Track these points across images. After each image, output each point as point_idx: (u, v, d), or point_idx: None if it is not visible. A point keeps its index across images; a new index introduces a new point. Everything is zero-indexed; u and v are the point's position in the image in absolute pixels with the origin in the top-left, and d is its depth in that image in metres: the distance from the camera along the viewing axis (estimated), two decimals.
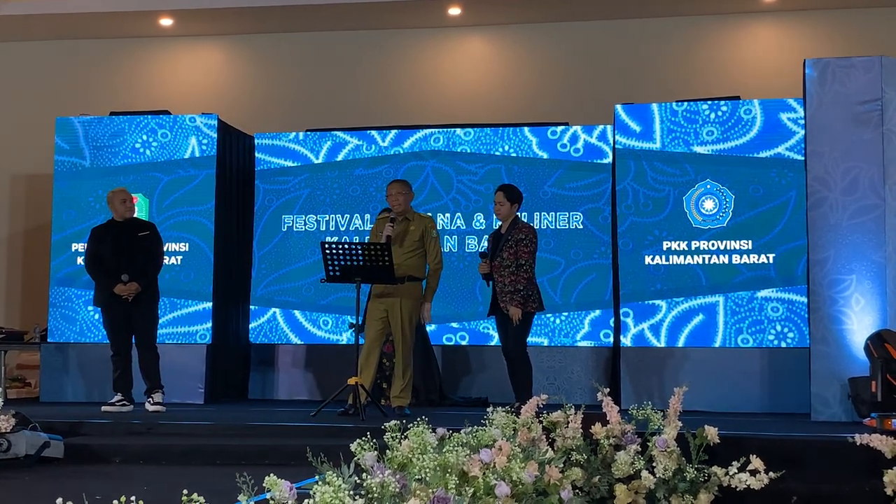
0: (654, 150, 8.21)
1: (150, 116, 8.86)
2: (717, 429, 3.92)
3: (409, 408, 6.79)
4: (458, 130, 9.04)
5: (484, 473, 2.94)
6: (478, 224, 8.90)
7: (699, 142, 8.16)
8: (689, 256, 8.08)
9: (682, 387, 4.08)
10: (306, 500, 2.44)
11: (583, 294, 8.64)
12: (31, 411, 5.56)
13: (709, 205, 8.09)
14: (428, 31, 10.21)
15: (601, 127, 8.77)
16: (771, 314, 7.91)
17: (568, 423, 3.95)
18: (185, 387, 8.12)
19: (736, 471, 3.73)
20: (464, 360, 8.83)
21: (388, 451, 2.98)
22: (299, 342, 9.03)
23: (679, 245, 8.10)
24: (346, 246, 6.56)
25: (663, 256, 8.11)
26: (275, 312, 9.04)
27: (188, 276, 8.55)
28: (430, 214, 7.63)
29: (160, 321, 7.52)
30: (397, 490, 2.60)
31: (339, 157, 9.15)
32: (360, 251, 6.50)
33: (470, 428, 3.55)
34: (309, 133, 9.28)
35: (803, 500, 3.97)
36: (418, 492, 2.64)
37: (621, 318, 8.10)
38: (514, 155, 8.88)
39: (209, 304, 8.49)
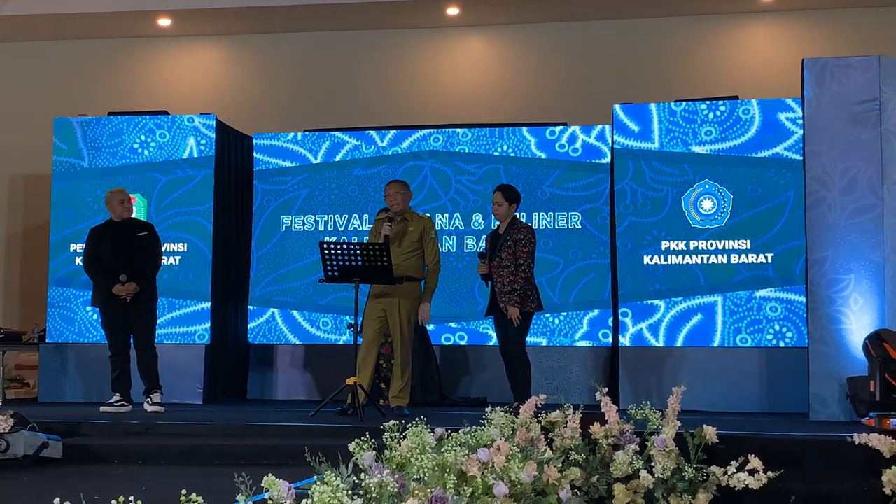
0: (652, 149, 8.21)
1: (148, 117, 8.86)
2: (715, 428, 3.92)
3: (408, 408, 6.80)
4: (457, 130, 9.04)
5: (482, 473, 2.94)
6: (476, 224, 8.90)
7: (697, 142, 8.17)
8: (687, 256, 8.09)
9: (680, 386, 4.08)
10: (305, 500, 2.44)
11: (581, 294, 8.64)
12: (30, 412, 5.57)
13: (707, 205, 8.09)
14: (426, 32, 10.21)
15: (599, 127, 8.77)
16: (769, 314, 7.92)
17: (566, 422, 3.94)
18: (183, 387, 8.12)
19: (734, 470, 3.73)
20: (462, 360, 8.83)
21: (386, 450, 2.98)
22: (298, 342, 9.03)
23: (677, 245, 8.10)
24: (345, 246, 6.56)
25: (662, 256, 8.11)
26: (273, 313, 9.04)
27: (187, 277, 8.55)
28: (428, 215, 7.63)
29: (159, 321, 7.53)
30: (396, 490, 2.60)
31: (338, 158, 9.15)
32: (358, 251, 6.50)
33: (468, 428, 3.55)
34: (307, 133, 9.28)
35: (802, 500, 3.97)
36: (417, 492, 2.64)
37: (620, 317, 8.10)
38: (512, 155, 8.88)
39: (208, 305, 8.49)
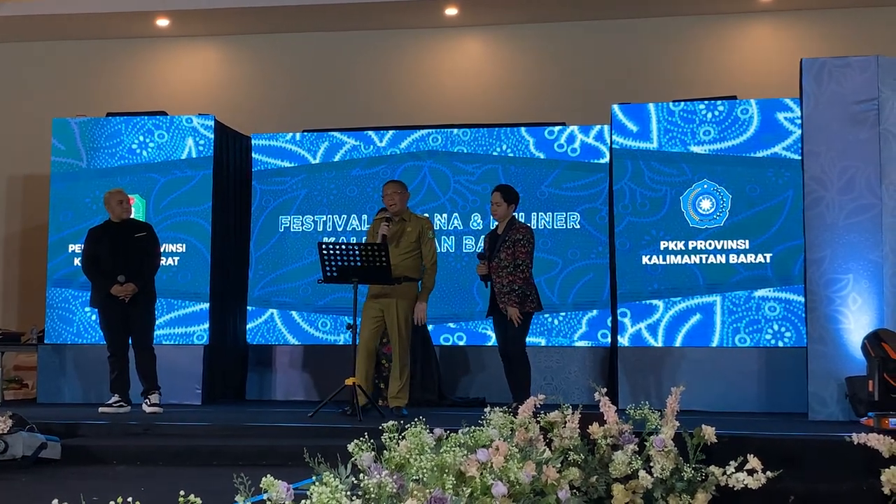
0: (651, 149, 8.21)
1: (146, 117, 8.86)
2: (714, 428, 3.92)
3: (408, 408, 6.80)
4: (456, 130, 9.04)
5: (481, 474, 2.94)
6: (475, 224, 8.90)
7: (696, 141, 8.17)
8: (686, 256, 8.09)
9: (679, 386, 4.08)
10: (303, 501, 2.44)
11: (580, 294, 8.64)
12: (29, 412, 5.56)
13: (706, 204, 8.09)
14: (425, 32, 10.21)
15: (598, 127, 8.77)
16: (768, 314, 7.92)
17: (565, 423, 3.94)
18: (182, 388, 8.12)
19: (733, 470, 3.73)
20: (462, 361, 8.83)
21: (385, 451, 2.98)
22: (297, 343, 9.02)
23: (676, 245, 8.10)
24: (343, 246, 6.56)
25: (660, 256, 8.11)
26: (272, 313, 9.04)
27: (185, 277, 8.55)
28: (426, 215, 7.62)
29: (157, 322, 7.53)
30: (394, 490, 2.60)
31: (337, 158, 9.14)
32: (357, 252, 6.50)
33: (467, 428, 3.55)
34: (306, 133, 9.27)
35: (801, 500, 3.96)
36: (415, 492, 2.64)
37: (619, 317, 8.10)
38: (511, 155, 8.88)
39: (206, 305, 8.49)
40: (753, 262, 8.00)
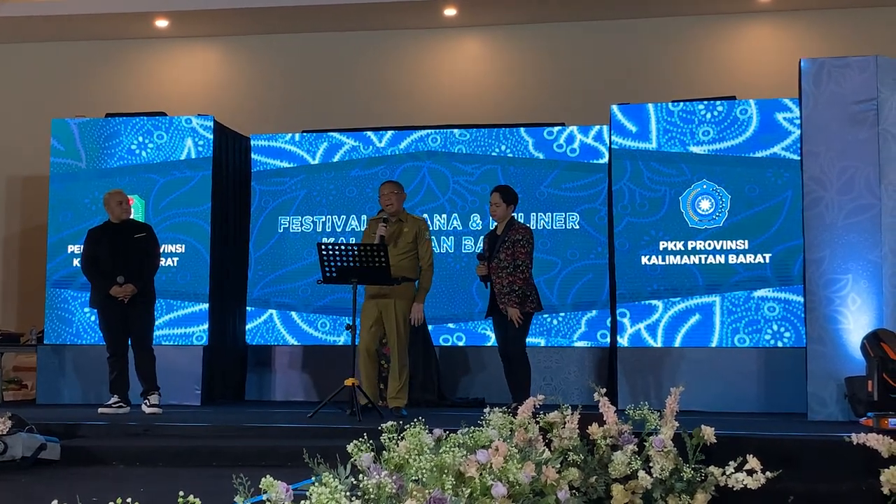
0: (650, 150, 8.21)
1: (146, 118, 8.85)
2: (713, 428, 3.93)
3: (408, 408, 6.80)
4: (455, 131, 9.04)
5: (481, 474, 2.94)
6: (474, 225, 8.90)
7: (695, 142, 8.17)
8: (685, 256, 8.09)
9: (678, 387, 4.09)
10: (303, 502, 2.44)
11: (579, 294, 8.64)
12: (28, 413, 5.56)
13: (705, 205, 8.10)
14: (424, 32, 10.21)
15: (597, 127, 8.77)
16: (767, 314, 7.92)
17: (565, 423, 3.95)
18: (181, 388, 8.12)
19: (733, 471, 3.74)
20: (461, 361, 8.83)
21: (384, 451, 2.98)
22: (296, 343, 9.02)
23: (675, 245, 8.10)
24: (343, 247, 6.57)
25: (660, 256, 8.11)
26: (271, 314, 9.04)
27: (184, 278, 8.54)
28: (424, 216, 7.62)
29: (157, 323, 7.52)
30: (394, 491, 2.60)
31: (336, 158, 9.14)
32: (356, 252, 6.50)
33: (467, 429, 3.56)
34: (305, 134, 9.27)
35: (800, 500, 3.97)
36: (415, 492, 2.64)
37: (618, 318, 8.10)
38: (510, 155, 8.88)
39: (206, 306, 8.49)
40: (753, 262, 8.00)
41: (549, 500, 3.23)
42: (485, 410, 3.85)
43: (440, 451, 2.96)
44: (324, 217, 9.09)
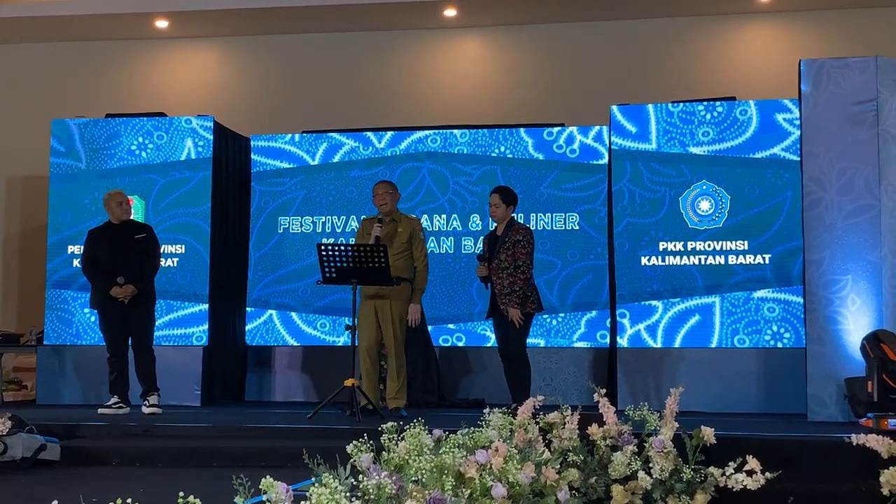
0: (649, 150, 8.21)
1: (145, 118, 8.85)
2: (713, 429, 3.93)
3: (408, 409, 6.81)
4: (455, 132, 9.04)
5: (480, 475, 2.94)
6: (474, 225, 8.90)
7: (695, 142, 8.17)
8: (685, 257, 8.09)
9: (678, 387, 4.09)
10: (303, 502, 2.44)
11: (579, 295, 8.64)
12: (28, 414, 5.56)
13: (705, 205, 8.10)
14: (424, 33, 10.21)
15: (597, 128, 8.77)
16: (767, 315, 7.92)
17: (564, 424, 3.95)
18: (181, 389, 8.12)
19: (732, 471, 3.74)
20: (461, 362, 8.83)
21: (384, 452, 2.98)
22: (296, 344, 9.02)
23: (675, 246, 8.11)
24: (343, 247, 6.57)
25: (659, 257, 8.11)
26: (271, 314, 9.04)
27: (184, 279, 8.54)
28: (416, 216, 7.61)
29: (156, 323, 7.52)
30: (394, 491, 2.60)
31: (336, 159, 9.14)
32: (356, 252, 6.51)
33: (466, 429, 3.56)
34: (305, 135, 9.27)
35: (800, 501, 3.97)
36: (415, 493, 2.64)
37: (618, 318, 8.10)
38: (510, 156, 8.88)
39: (205, 306, 8.49)
40: (752, 263, 8.00)
41: (548, 500, 3.23)
42: (485, 411, 3.85)
43: (440, 451, 2.97)
44: (323, 218, 9.09)
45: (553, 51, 10.02)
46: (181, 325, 8.48)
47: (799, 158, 7.00)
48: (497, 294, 6.74)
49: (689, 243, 8.09)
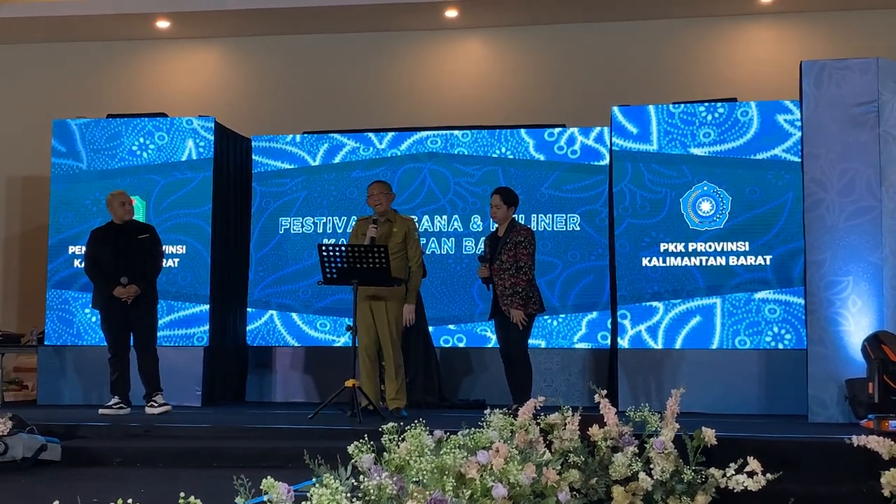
0: (650, 151, 8.21)
1: (146, 119, 8.86)
2: (714, 430, 3.93)
3: (409, 409, 6.80)
4: (456, 132, 9.04)
5: (481, 475, 2.94)
6: (475, 226, 8.90)
7: (696, 143, 8.17)
8: (686, 258, 8.09)
9: (679, 388, 4.09)
10: (303, 503, 2.44)
11: (580, 296, 8.64)
12: (29, 414, 5.56)
13: (706, 206, 8.10)
14: (425, 34, 10.22)
15: (598, 129, 8.78)
16: (768, 316, 7.92)
17: (565, 425, 3.95)
18: (182, 389, 8.11)
19: (733, 472, 3.74)
20: (462, 363, 8.82)
21: (385, 453, 2.98)
22: (297, 344, 9.02)
23: (676, 247, 8.10)
24: (343, 248, 6.57)
25: (660, 258, 8.11)
26: (272, 315, 9.04)
27: (185, 279, 8.55)
28: (413, 217, 7.60)
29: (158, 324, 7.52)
30: (395, 492, 2.60)
31: (337, 160, 9.14)
32: (356, 253, 6.51)
33: (467, 430, 3.56)
34: (306, 135, 9.28)
35: (800, 502, 3.97)
36: (415, 494, 2.65)
37: (618, 319, 8.10)
38: (511, 157, 8.88)
39: (206, 307, 8.49)
40: (753, 264, 8.00)
41: (549, 501, 3.23)
42: (485, 412, 3.85)
43: (441, 452, 2.97)
44: (324, 218, 9.09)
45: (554, 52, 10.02)
46: (182, 325, 8.49)
47: (800, 160, 7.00)
48: (499, 295, 6.74)
49: (689, 244, 8.09)
